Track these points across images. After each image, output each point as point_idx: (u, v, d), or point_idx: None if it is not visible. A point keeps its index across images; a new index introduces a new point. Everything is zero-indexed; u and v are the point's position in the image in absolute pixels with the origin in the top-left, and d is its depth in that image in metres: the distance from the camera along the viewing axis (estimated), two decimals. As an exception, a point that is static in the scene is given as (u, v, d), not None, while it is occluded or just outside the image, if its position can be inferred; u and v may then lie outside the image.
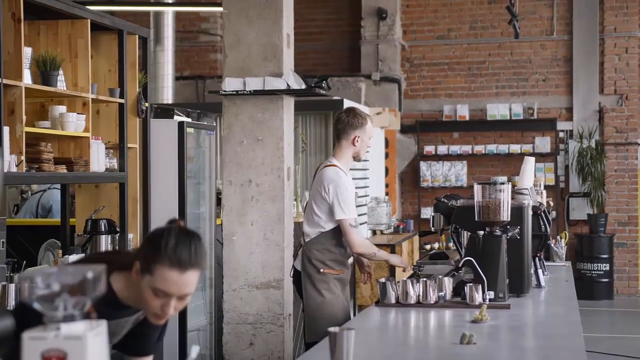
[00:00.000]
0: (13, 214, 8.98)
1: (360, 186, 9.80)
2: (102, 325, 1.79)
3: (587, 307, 11.79)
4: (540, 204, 5.59)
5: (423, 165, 12.96)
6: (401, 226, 10.77)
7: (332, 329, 2.76)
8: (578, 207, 12.63)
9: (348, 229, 4.99)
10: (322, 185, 5.02)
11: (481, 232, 4.43)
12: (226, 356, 5.88)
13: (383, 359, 3.17)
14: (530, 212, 4.77)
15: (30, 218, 7.82)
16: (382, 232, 10.24)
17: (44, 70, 4.78)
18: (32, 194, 8.30)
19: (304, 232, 5.14)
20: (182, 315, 6.24)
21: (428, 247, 11.74)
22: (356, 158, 5.21)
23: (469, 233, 4.67)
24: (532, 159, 5.65)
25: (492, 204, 4.41)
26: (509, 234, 4.53)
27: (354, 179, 5.72)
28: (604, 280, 12.28)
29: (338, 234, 5.08)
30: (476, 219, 4.46)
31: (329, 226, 5.05)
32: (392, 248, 9.02)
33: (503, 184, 4.47)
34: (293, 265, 5.29)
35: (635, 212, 12.65)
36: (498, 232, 4.44)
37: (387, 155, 12.39)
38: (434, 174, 12.95)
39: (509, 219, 4.45)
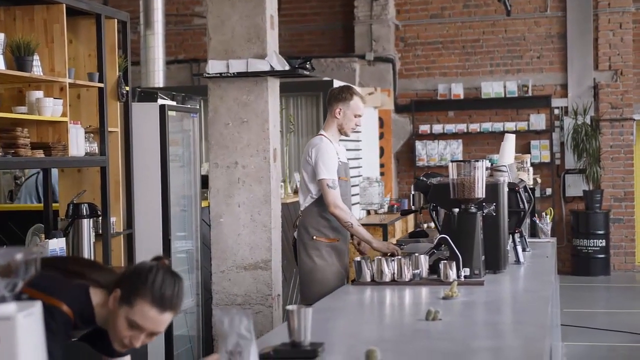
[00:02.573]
0: (8, 200, 9.02)
1: (352, 166, 9.82)
2: (36, 306, 1.81)
3: (584, 283, 11.83)
4: (522, 180, 5.61)
5: (418, 145, 12.97)
6: (395, 206, 10.79)
7: (289, 307, 2.78)
8: (574, 184, 12.63)
9: (325, 189, 5.15)
10: (307, 151, 5.26)
11: (456, 210, 4.45)
12: (215, 337, 5.92)
13: (344, 336, 3.20)
14: (506, 189, 4.77)
15: (33, 202, 7.85)
16: (375, 212, 10.27)
17: (19, 56, 4.79)
18: (25, 178, 8.31)
19: (300, 203, 5.37)
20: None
21: (425, 225, 11.75)
22: (341, 131, 5.36)
23: (445, 211, 4.69)
24: (513, 136, 5.66)
25: (466, 182, 4.43)
26: (485, 211, 4.55)
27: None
28: (601, 256, 12.30)
29: None
30: (451, 197, 4.48)
31: (315, 191, 5.23)
32: (384, 228, 9.04)
33: (477, 161, 4.48)
34: (294, 235, 5.49)
35: (631, 188, 12.64)
36: (473, 209, 4.47)
37: (382, 135, 12.39)
38: (429, 153, 12.95)
39: (483, 196, 4.47)
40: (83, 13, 5.57)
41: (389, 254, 5.01)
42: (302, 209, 5.34)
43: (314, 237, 5.25)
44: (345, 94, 5.34)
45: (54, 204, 5.79)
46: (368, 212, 10.20)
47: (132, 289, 2.58)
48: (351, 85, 5.67)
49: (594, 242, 12.28)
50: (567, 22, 12.69)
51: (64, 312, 2.58)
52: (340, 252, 5.37)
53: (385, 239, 8.92)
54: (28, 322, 1.77)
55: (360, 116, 5.38)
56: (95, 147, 5.59)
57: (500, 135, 12.61)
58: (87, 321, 2.68)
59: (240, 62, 5.69)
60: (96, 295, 2.67)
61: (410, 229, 11.06)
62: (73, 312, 2.60)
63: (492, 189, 4.59)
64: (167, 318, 2.60)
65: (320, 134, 5.35)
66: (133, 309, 2.57)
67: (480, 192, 4.44)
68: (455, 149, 12.90)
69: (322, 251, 5.26)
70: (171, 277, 2.62)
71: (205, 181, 6.31)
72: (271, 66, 5.67)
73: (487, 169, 4.99)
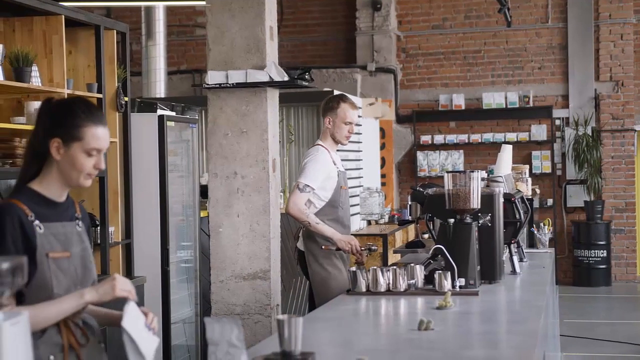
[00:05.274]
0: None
1: (353, 177, 9.84)
2: (23, 315, 1.83)
3: (585, 294, 11.82)
4: (519, 191, 5.62)
5: (420, 155, 12.98)
6: (396, 216, 10.79)
7: (279, 317, 2.79)
8: (575, 194, 12.64)
9: (293, 190, 5.30)
10: (305, 160, 5.37)
11: (451, 220, 4.46)
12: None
13: (336, 345, 3.21)
14: (502, 200, 4.78)
15: None
16: (376, 222, 10.28)
17: (17, 67, 4.82)
18: None
19: None
20: (166, 306, 6.29)
21: (426, 236, 11.74)
22: (335, 140, 5.41)
23: (440, 221, 4.70)
24: (509, 147, 5.67)
25: (462, 192, 4.44)
26: (480, 222, 4.56)
27: (347, 169, 5.99)
28: (602, 266, 12.29)
29: (332, 209, 5.32)
30: (447, 207, 4.49)
31: (317, 201, 5.29)
32: (384, 238, 9.05)
33: (473, 172, 4.49)
34: (296, 247, 5.50)
35: (632, 199, 12.64)
36: (468, 220, 4.47)
37: (383, 146, 12.41)
38: (430, 163, 12.97)
39: (479, 207, 4.48)
40: (82, 24, 5.61)
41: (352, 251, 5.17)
42: None
43: (323, 247, 5.29)
44: (332, 102, 5.41)
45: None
46: (369, 223, 10.21)
47: (71, 127, 2.76)
48: (342, 94, 5.70)
49: (595, 253, 12.27)
50: (568, 33, 12.71)
51: (11, 202, 2.74)
52: (346, 259, 5.42)
53: (385, 249, 8.93)
54: (14, 330, 1.79)
55: (350, 123, 5.40)
56: (94, 157, 5.61)
57: (501, 146, 12.61)
58: (44, 204, 2.78)
59: (239, 73, 5.72)
60: (35, 185, 2.80)
61: (411, 239, 11.05)
62: (20, 201, 2.74)
63: (488, 199, 4.60)
64: (107, 130, 2.84)
65: (318, 144, 5.41)
66: (84, 139, 2.76)
67: (475, 202, 4.45)
68: (457, 159, 12.92)
69: (332, 259, 5.32)
70: (85, 100, 2.87)
71: (204, 191, 6.33)
72: (270, 77, 5.70)
73: (483, 179, 5.01)
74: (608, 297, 11.86)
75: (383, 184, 12.22)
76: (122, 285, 2.74)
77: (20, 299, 2.69)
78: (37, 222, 2.74)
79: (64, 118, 2.77)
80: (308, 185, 5.23)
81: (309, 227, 5.29)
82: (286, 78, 5.76)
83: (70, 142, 2.76)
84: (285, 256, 6.69)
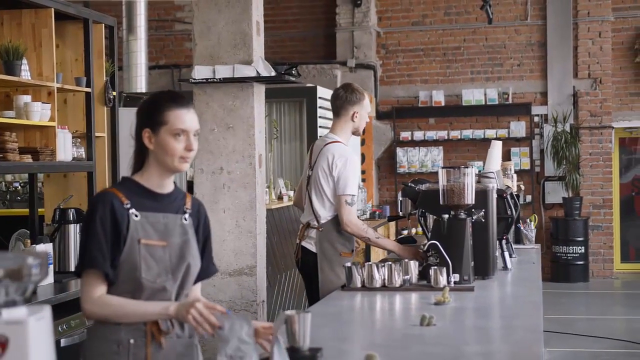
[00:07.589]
0: None
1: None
2: (46, 310, 1.80)
3: (563, 290, 11.90)
4: (508, 187, 5.64)
5: (399, 151, 13.01)
6: (377, 212, 10.81)
7: (288, 312, 2.78)
8: (553, 191, 12.72)
9: (342, 205, 4.89)
10: (331, 161, 4.95)
11: (446, 216, 4.46)
12: (200, 343, 5.90)
13: (340, 341, 3.20)
14: (495, 196, 4.80)
15: None
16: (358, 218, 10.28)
17: (7, 60, 4.76)
18: None
19: (316, 215, 5.01)
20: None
21: (405, 232, 11.78)
22: (355, 133, 5.13)
23: (434, 217, 4.71)
24: (499, 143, 5.69)
25: (456, 188, 4.45)
26: (474, 217, 4.57)
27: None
28: (580, 262, 12.39)
29: None
30: (441, 203, 4.49)
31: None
32: (367, 234, 9.04)
33: (467, 167, 4.50)
34: (300, 245, 5.11)
35: (609, 195, 12.75)
36: (463, 216, 4.48)
37: (363, 142, 12.43)
38: (410, 159, 12.99)
39: (473, 202, 4.49)
40: (70, 17, 5.55)
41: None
42: (323, 221, 4.98)
43: (342, 254, 5.03)
44: (357, 94, 5.06)
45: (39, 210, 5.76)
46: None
47: (155, 114, 2.90)
48: (353, 83, 5.26)
49: (573, 249, 12.36)
50: (547, 30, 12.79)
51: (108, 190, 2.92)
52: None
53: (368, 245, 8.93)
54: (39, 326, 1.77)
55: (369, 114, 5.16)
56: (82, 152, 5.56)
57: (480, 143, 12.74)
58: (144, 194, 2.91)
59: (226, 68, 5.69)
60: (137, 177, 2.95)
61: (392, 235, 11.09)
62: (118, 190, 2.90)
63: (482, 195, 4.62)
64: (194, 114, 2.95)
65: (339, 141, 5.04)
66: (169, 123, 2.87)
67: (469, 198, 4.46)
68: (436, 155, 12.96)
69: None
70: (168, 90, 3.01)
71: (190, 187, 6.30)
72: (257, 72, 5.68)
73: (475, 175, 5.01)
74: (586, 292, 11.95)
75: (363, 180, 12.24)
76: (196, 315, 2.76)
77: (110, 280, 2.83)
78: (133, 210, 2.87)
79: (150, 108, 2.93)
80: (354, 195, 4.93)
81: (368, 242, 5.06)
82: (273, 73, 5.74)
83: (158, 128, 2.88)
84: (270, 252, 6.67)
